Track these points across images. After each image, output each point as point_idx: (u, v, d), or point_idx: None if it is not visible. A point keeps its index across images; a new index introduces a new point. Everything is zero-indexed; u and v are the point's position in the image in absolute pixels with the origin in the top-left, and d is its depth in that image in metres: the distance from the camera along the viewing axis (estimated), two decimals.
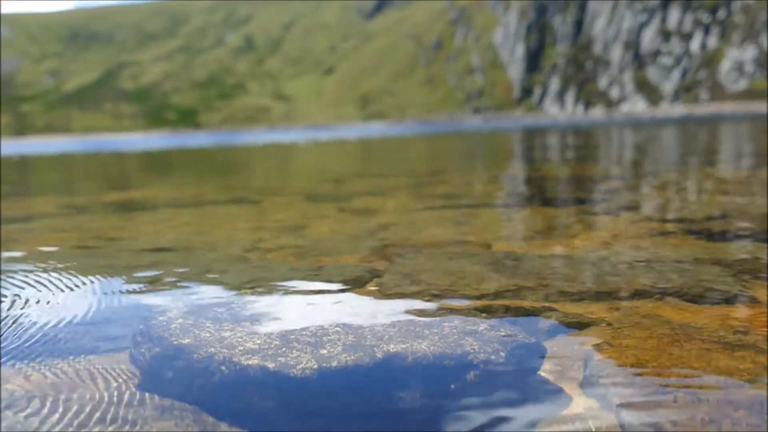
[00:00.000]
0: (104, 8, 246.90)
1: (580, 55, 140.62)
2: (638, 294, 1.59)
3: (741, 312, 1.41)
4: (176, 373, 1.22)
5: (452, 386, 1.12)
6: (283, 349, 1.28)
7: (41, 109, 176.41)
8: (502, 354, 1.22)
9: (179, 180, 7.04)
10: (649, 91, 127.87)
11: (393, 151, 12.28)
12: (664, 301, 1.52)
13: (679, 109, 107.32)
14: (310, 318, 1.50)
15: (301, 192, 4.98)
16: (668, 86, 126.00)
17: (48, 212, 4.10)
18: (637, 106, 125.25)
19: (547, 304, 1.54)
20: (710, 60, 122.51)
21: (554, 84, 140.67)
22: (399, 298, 1.66)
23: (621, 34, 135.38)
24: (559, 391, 1.08)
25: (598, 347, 1.24)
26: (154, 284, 1.93)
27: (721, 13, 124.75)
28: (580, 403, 1.03)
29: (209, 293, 1.78)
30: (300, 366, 1.19)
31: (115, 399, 1.10)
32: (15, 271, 2.18)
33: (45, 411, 1.05)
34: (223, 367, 1.21)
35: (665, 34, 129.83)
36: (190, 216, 3.61)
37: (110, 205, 4.42)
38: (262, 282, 1.89)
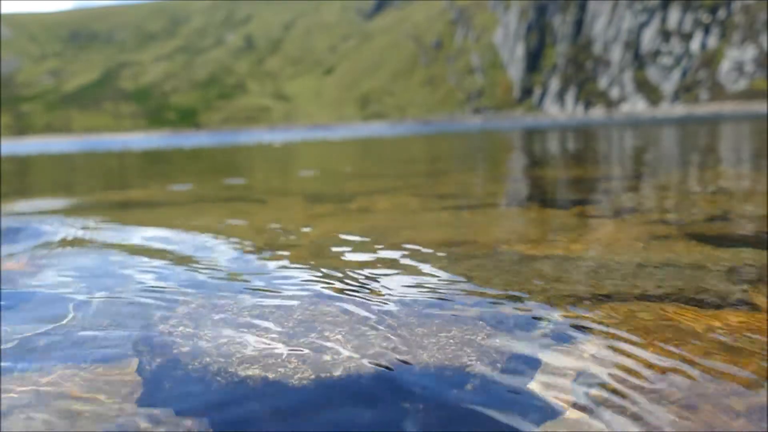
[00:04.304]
0: (104, 8, 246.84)
1: (580, 55, 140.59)
2: (638, 298, 1.58)
3: (741, 317, 1.41)
4: (175, 382, 1.21)
5: (450, 396, 1.12)
6: (283, 357, 1.26)
7: (41, 109, 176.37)
8: (500, 364, 1.21)
9: (179, 180, 7.03)
10: (649, 91, 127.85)
11: (393, 152, 12.26)
12: (664, 306, 1.51)
13: (679, 109, 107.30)
14: (310, 324, 1.49)
15: (300, 192, 4.97)
16: (668, 86, 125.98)
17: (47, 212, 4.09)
18: (637, 106, 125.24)
19: (546, 311, 1.52)
20: (710, 60, 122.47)
21: (554, 84, 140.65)
22: (399, 304, 1.64)
23: (621, 34, 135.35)
24: (557, 398, 1.07)
25: (596, 354, 1.24)
26: (152, 288, 1.91)
27: (721, 13, 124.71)
28: (577, 412, 1.02)
29: (209, 298, 1.76)
30: (299, 375, 1.18)
31: (113, 408, 1.09)
32: (16, 272, 2.17)
33: (44, 420, 1.05)
34: (222, 377, 1.19)
35: (665, 34, 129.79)
36: (190, 217, 3.60)
37: (112, 204, 4.41)
38: (261, 286, 1.88)
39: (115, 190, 5.88)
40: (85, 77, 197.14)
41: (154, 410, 1.09)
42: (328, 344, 1.33)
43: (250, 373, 1.19)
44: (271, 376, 1.18)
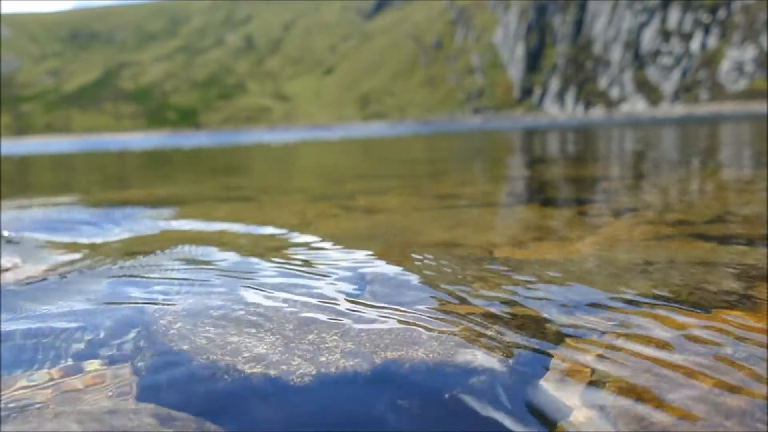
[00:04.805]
0: (104, 8, 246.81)
1: (580, 55, 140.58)
2: (639, 298, 1.58)
3: (742, 317, 1.41)
4: (175, 381, 1.21)
5: (449, 395, 1.12)
6: (284, 355, 1.26)
7: (41, 109, 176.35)
8: (500, 363, 1.21)
9: (180, 179, 7.03)
10: (649, 91, 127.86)
11: (393, 152, 12.26)
12: (665, 306, 1.51)
13: (679, 109, 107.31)
14: (310, 323, 1.49)
15: (300, 192, 4.97)
16: (668, 86, 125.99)
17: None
18: (637, 106, 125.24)
19: (546, 311, 1.52)
20: (710, 60, 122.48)
21: (554, 84, 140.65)
22: (399, 303, 1.64)
23: (621, 34, 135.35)
24: (557, 400, 1.08)
25: (597, 354, 1.24)
26: (153, 286, 1.91)
27: (721, 13, 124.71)
28: (578, 414, 1.02)
29: (210, 296, 1.76)
30: (299, 373, 1.17)
31: (113, 407, 1.09)
32: (17, 272, 2.17)
33: (43, 419, 1.05)
34: (224, 375, 1.20)
35: (665, 34, 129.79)
36: (191, 215, 3.60)
37: (113, 203, 4.41)
38: (262, 285, 1.88)
39: (116, 190, 5.88)
40: (85, 77, 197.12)
41: (156, 409, 1.09)
42: (330, 342, 1.33)
43: (252, 371, 1.19)
44: (273, 373, 1.17)
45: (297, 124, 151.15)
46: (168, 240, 2.77)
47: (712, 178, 4.71)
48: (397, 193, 4.47)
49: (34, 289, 1.95)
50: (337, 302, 1.67)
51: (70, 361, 1.32)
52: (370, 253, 2.35)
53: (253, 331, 1.43)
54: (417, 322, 1.47)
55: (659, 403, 1.02)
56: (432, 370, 1.20)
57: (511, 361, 1.23)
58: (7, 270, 2.20)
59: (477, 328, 1.42)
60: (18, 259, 2.37)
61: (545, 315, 1.50)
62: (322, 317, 1.53)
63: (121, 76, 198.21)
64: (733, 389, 1.05)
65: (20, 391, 1.17)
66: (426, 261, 2.14)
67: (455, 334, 1.37)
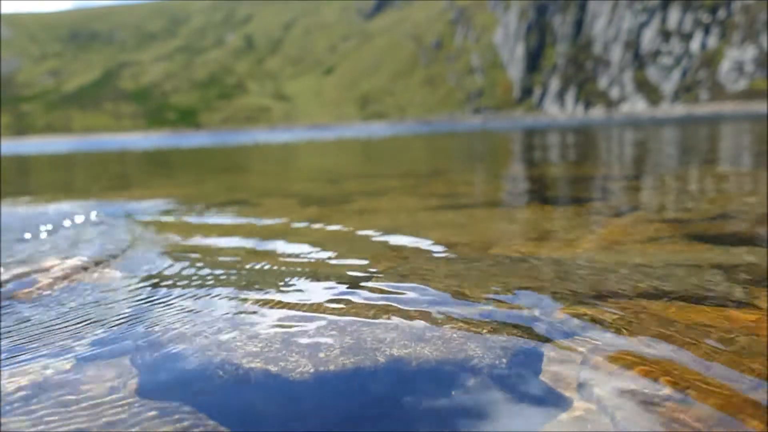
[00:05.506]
0: (104, 8, 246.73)
1: (580, 55, 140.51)
2: (639, 298, 1.58)
3: (741, 317, 1.40)
4: (175, 377, 1.21)
5: (454, 392, 1.11)
6: (283, 352, 1.25)
7: (41, 109, 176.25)
8: (504, 359, 1.21)
9: (180, 180, 7.05)
10: (649, 91, 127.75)
11: (393, 152, 12.28)
12: (664, 306, 1.51)
13: (679, 109, 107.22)
14: (311, 321, 1.49)
15: (299, 193, 4.99)
16: (668, 86, 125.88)
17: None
18: (637, 106, 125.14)
19: (547, 309, 1.52)
20: (710, 60, 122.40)
21: (554, 84, 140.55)
22: (400, 301, 1.64)
23: (621, 34, 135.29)
24: (558, 396, 1.08)
25: (597, 352, 1.24)
26: (153, 286, 1.92)
27: (721, 13, 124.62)
28: (578, 408, 1.03)
29: (208, 296, 1.77)
30: (299, 369, 1.17)
31: (114, 403, 1.09)
32: (23, 267, 2.19)
33: (43, 415, 1.05)
34: (222, 371, 1.19)
35: (665, 34, 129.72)
36: (190, 216, 3.62)
37: (112, 203, 4.43)
38: (262, 284, 1.88)
39: (118, 189, 5.90)
40: (85, 77, 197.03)
41: (156, 404, 1.09)
42: (329, 339, 1.33)
43: (250, 367, 1.19)
44: (272, 370, 1.18)
45: (297, 124, 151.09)
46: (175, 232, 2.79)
47: (712, 177, 4.73)
48: (398, 192, 4.49)
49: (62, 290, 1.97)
50: (339, 300, 1.68)
51: (72, 358, 1.32)
52: (369, 251, 2.31)
53: (250, 328, 1.43)
54: (422, 319, 1.47)
55: (658, 401, 1.02)
56: (435, 367, 1.18)
57: (512, 357, 1.22)
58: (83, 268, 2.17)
59: (483, 323, 1.42)
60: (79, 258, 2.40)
61: (548, 310, 1.51)
62: (324, 315, 1.53)
63: (121, 76, 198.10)
64: (733, 388, 1.05)
65: (22, 388, 1.17)
66: (430, 258, 2.16)
67: (461, 330, 1.36)
